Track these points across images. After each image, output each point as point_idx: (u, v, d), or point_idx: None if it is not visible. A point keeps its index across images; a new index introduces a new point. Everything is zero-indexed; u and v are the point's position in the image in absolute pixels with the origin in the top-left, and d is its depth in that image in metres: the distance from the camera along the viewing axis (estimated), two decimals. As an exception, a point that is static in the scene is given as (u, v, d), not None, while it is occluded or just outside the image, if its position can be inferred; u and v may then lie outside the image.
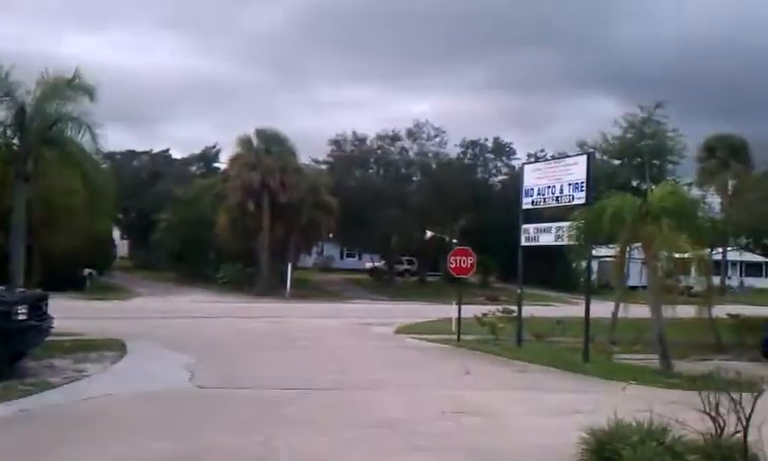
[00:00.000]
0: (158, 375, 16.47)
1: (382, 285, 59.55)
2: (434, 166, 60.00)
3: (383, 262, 65.12)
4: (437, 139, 59.99)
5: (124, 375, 16.50)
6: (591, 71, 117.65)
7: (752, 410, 8.62)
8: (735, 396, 8.74)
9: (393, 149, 60.33)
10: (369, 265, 66.83)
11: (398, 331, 28.71)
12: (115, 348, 19.90)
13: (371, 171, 60.85)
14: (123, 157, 65.47)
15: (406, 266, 67.66)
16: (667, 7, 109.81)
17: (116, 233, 63.02)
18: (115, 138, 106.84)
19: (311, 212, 49.56)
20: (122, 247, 68.58)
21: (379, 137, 59.88)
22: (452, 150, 61.09)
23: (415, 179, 61.89)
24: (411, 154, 60.48)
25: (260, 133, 50.66)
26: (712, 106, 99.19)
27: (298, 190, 48.62)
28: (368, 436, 11.23)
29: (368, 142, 60.05)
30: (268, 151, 49.43)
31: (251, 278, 49.93)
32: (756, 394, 8.93)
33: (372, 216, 54.38)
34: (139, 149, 69.21)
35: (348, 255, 72.77)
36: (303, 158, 54.60)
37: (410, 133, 59.79)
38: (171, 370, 17.08)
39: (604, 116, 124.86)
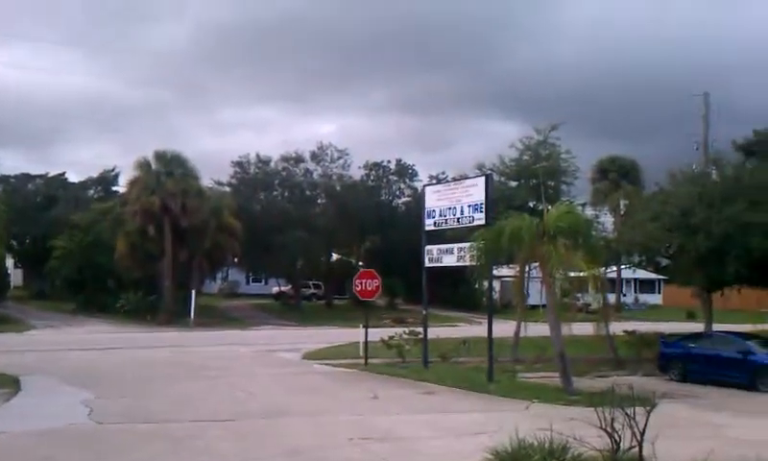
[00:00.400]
0: (56, 411, 15.88)
1: (289, 310, 59.02)
2: (338, 188, 60.11)
3: (290, 286, 64.63)
4: (340, 161, 60.20)
5: (18, 412, 15.84)
6: (491, 93, 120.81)
7: (645, 425, 8.99)
8: (630, 411, 9.09)
9: (297, 171, 60.10)
10: (275, 290, 66.11)
11: (306, 357, 28.56)
12: (8, 384, 19.07)
13: (275, 193, 60.39)
14: (17, 181, 62.93)
15: (313, 290, 67.34)
16: (562, 31, 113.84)
17: (9, 262, 60.35)
18: (9, 161, 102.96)
19: (215, 236, 48.66)
20: (16, 276, 65.71)
21: (283, 159, 59.54)
22: (356, 172, 61.59)
23: (320, 201, 61.78)
24: (315, 176, 60.42)
25: (160, 155, 49.42)
26: (606, 128, 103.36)
27: (200, 213, 47.62)
28: (275, 467, 11.13)
29: (272, 164, 59.68)
30: (169, 173, 48.26)
31: (153, 306, 48.57)
32: (649, 408, 9.32)
33: (277, 239, 53.88)
34: (34, 172, 66.46)
35: (254, 280, 71.82)
36: (207, 181, 53.92)
37: (314, 156, 59.78)
38: (69, 406, 16.48)
39: (504, 137, 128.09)
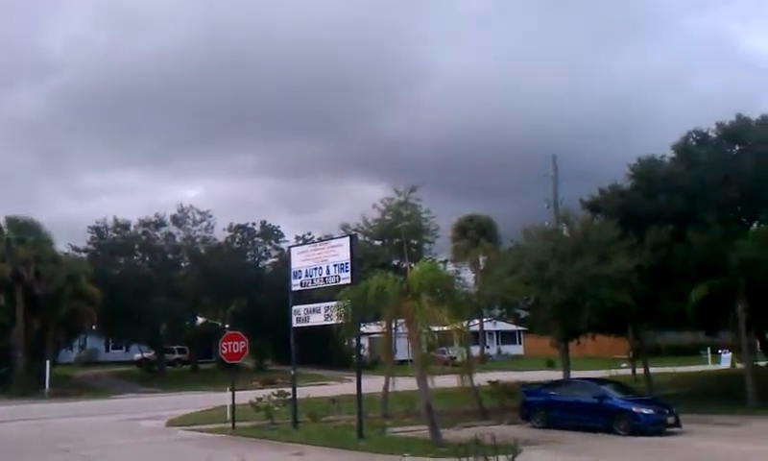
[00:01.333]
0: None
1: (153, 377, 56.96)
2: (202, 251, 59.16)
3: (153, 352, 62.50)
4: (203, 224, 59.40)
5: None
6: (360, 156, 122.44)
7: (508, 472, 9.31)
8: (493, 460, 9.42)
9: (158, 235, 58.75)
10: (137, 356, 63.66)
11: (171, 424, 27.61)
12: None
13: (135, 258, 58.72)
14: None
15: (178, 355, 65.36)
16: (427, 98, 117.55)
17: None
18: None
19: (71, 303, 46.52)
20: None
21: (143, 223, 58.11)
22: (220, 234, 60.94)
23: (183, 265, 60.56)
24: (177, 239, 59.26)
25: (11, 221, 47.14)
26: (466, 188, 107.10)
27: (55, 280, 45.56)
28: None
29: (131, 228, 58.08)
30: (20, 240, 46.08)
31: (4, 378, 45.65)
32: (511, 456, 9.70)
33: (138, 305, 52.20)
34: None
35: (115, 347, 68.84)
36: (65, 247, 51.93)
37: (175, 219, 58.66)
38: None
39: (374, 198, 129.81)
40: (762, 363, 35.21)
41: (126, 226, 57.90)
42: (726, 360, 51.95)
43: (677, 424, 22.81)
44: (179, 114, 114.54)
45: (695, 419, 24.71)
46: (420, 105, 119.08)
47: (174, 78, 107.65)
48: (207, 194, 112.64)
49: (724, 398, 30.40)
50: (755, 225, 31.09)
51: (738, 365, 37.90)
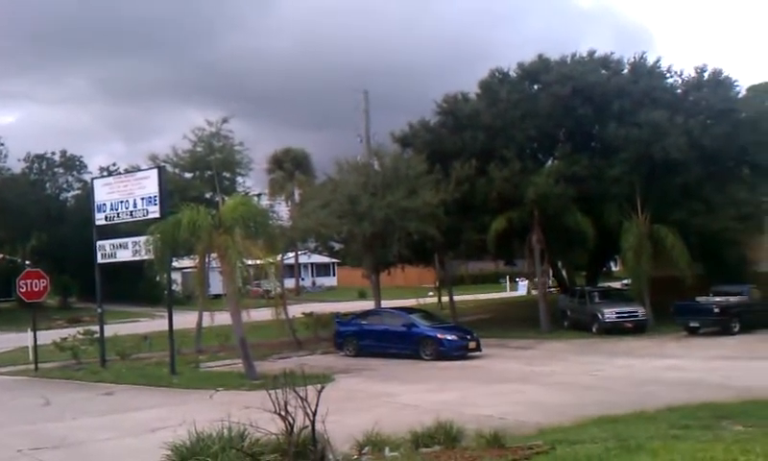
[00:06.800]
0: None
1: (-57, 320, 52.85)
2: (-6, 182, 54.74)
3: (-57, 292, 57.83)
4: (-6, 153, 54.69)
5: None
6: (198, 82, 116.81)
7: (317, 404, 9.55)
8: (302, 391, 9.65)
9: (-56, 165, 53.74)
10: (-76, 297, 58.69)
11: (-34, 369, 26.00)
12: None
13: None
14: None
15: (-27, 294, 60.99)
16: (266, 24, 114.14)
17: None
18: None
19: None
20: None
21: (-74, 154, 52.89)
22: (17, 165, 56.61)
23: (-27, 197, 55.86)
24: (-33, 170, 54.48)
25: None
26: (297, 119, 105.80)
27: None
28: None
29: None
30: None
31: None
32: (320, 387, 9.98)
33: None
34: None
35: None
36: None
37: (-40, 148, 53.69)
38: None
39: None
40: (554, 290, 38.01)
41: None
42: (522, 288, 55.63)
43: (478, 348, 24.36)
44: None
45: (494, 343, 26.57)
46: (262, 32, 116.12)
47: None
48: (28, 120, 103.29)
49: (520, 323, 32.74)
50: (549, 161, 33.13)
51: (533, 292, 40.70)
